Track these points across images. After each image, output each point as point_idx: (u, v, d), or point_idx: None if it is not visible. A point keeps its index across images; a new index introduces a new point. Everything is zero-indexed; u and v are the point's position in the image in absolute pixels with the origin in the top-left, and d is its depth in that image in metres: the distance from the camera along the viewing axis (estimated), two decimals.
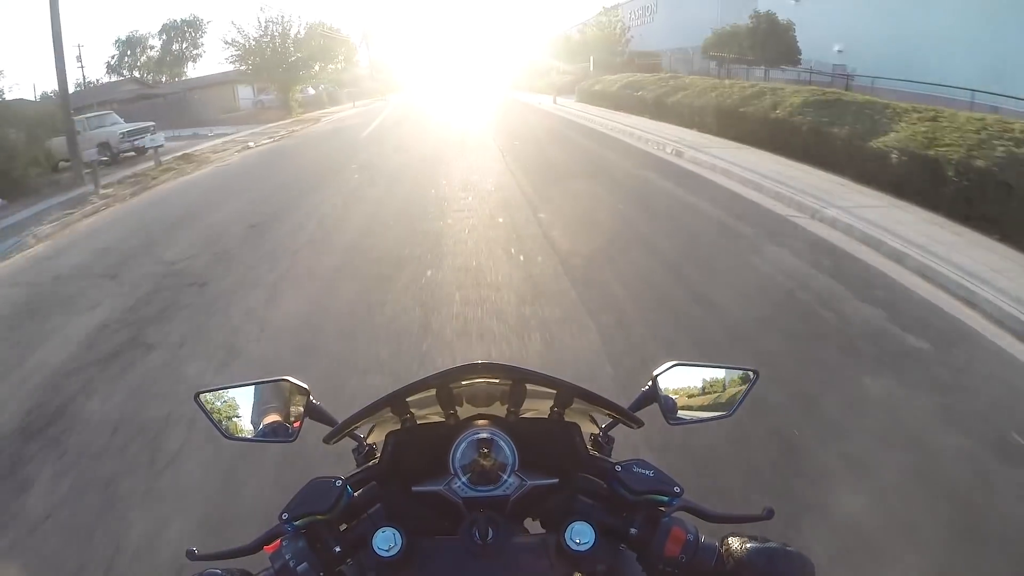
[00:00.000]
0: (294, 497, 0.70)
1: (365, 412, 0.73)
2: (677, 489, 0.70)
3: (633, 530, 0.69)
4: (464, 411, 0.78)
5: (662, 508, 0.71)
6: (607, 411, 0.79)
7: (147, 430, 2.83)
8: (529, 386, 0.75)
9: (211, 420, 0.79)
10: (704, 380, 0.83)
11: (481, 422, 0.75)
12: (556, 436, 0.78)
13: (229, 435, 0.80)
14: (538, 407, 0.80)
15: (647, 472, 0.71)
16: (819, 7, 18.81)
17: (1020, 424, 2.61)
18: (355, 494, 0.72)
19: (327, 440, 0.77)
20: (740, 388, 0.84)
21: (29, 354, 3.84)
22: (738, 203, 6.63)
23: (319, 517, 0.69)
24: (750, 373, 0.84)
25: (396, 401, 0.73)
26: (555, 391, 0.76)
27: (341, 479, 0.71)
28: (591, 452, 0.79)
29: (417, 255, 5.11)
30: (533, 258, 4.88)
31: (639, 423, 0.77)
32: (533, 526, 0.77)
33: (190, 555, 0.72)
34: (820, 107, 8.75)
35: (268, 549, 0.71)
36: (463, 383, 0.76)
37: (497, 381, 0.76)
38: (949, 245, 4.99)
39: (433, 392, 0.75)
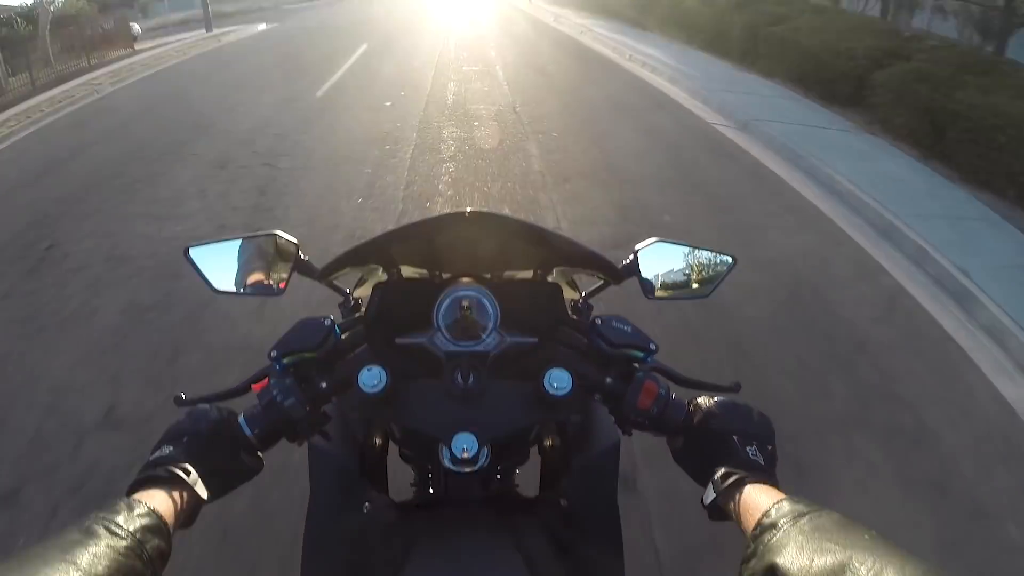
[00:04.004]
0: (283, 336, 0.72)
1: (355, 252, 0.75)
2: (652, 346, 0.74)
3: (608, 380, 0.72)
4: (449, 265, 0.80)
5: (637, 364, 0.75)
6: (590, 267, 0.81)
7: None
8: (515, 243, 0.76)
9: (200, 274, 0.80)
10: (683, 260, 0.85)
11: (466, 280, 0.77)
12: (538, 297, 0.80)
13: (217, 289, 0.81)
14: (521, 270, 0.82)
15: (625, 327, 0.74)
16: None
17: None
18: (342, 336, 0.74)
19: (320, 278, 0.79)
20: (718, 271, 0.87)
21: None
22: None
23: (307, 355, 0.71)
24: (728, 258, 0.87)
25: (384, 244, 0.74)
26: (541, 250, 0.78)
27: (330, 319, 0.72)
28: (571, 316, 0.82)
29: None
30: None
31: (620, 278, 0.79)
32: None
33: (178, 401, 0.73)
34: None
35: (256, 388, 0.73)
36: (449, 235, 0.78)
37: (484, 233, 0.77)
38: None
39: (419, 245, 0.76)
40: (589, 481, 0.80)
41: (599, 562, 0.72)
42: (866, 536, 0.46)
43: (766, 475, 0.63)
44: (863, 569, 0.41)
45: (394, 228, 0.72)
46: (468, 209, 0.73)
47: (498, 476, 0.81)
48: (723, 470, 0.63)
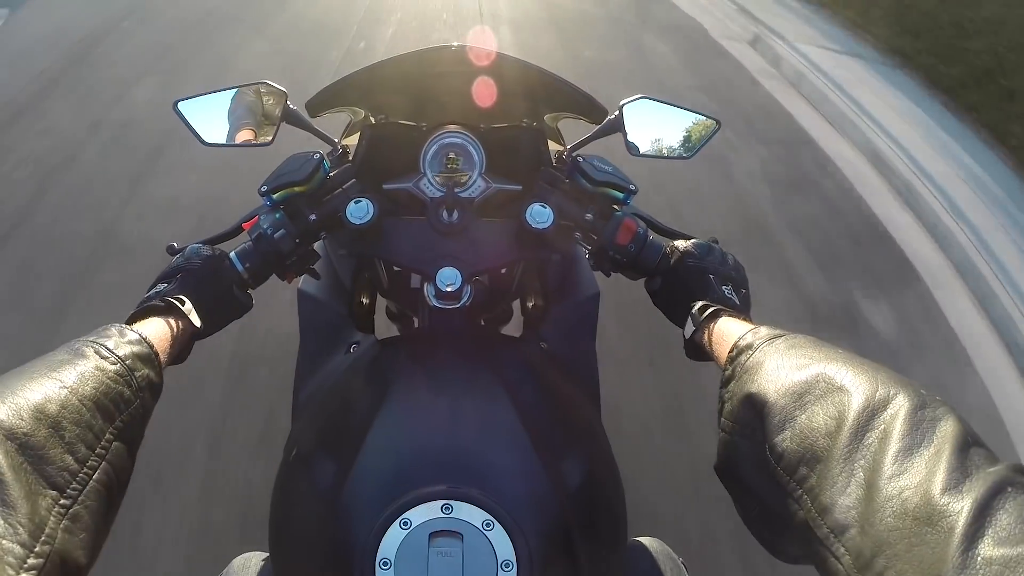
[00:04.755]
0: (273, 172, 0.73)
1: (342, 82, 0.75)
2: (632, 187, 0.76)
3: (588, 216, 0.74)
4: (437, 112, 0.81)
5: (616, 206, 0.76)
6: (576, 109, 0.80)
7: None
8: (502, 82, 0.76)
9: (190, 127, 0.80)
10: (667, 119, 0.85)
11: (452, 127, 0.78)
12: (523, 143, 0.81)
13: (207, 142, 0.82)
14: (508, 117, 0.83)
15: (606, 167, 0.76)
16: None
17: None
18: (331, 174, 0.75)
19: (310, 111, 0.79)
20: (702, 132, 0.87)
21: None
22: None
23: (296, 189, 0.72)
24: (713, 121, 0.87)
25: (370, 77, 0.74)
26: (526, 100, 0.78)
27: (320, 153, 0.74)
28: (554, 164, 0.83)
29: None
30: None
31: (603, 112, 0.80)
32: None
33: (170, 249, 0.74)
34: None
35: (247, 227, 0.74)
36: (437, 72, 0.78)
37: (471, 71, 0.77)
38: None
39: (407, 88, 0.77)
40: (568, 328, 0.83)
41: (577, 399, 0.75)
42: (840, 351, 0.47)
43: (742, 312, 0.65)
44: (837, 378, 0.43)
45: (380, 60, 0.73)
46: (455, 43, 0.73)
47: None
48: (700, 303, 0.65)
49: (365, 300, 0.89)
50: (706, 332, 0.63)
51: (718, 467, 0.53)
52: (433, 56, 0.74)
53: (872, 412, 0.39)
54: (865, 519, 0.35)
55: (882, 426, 0.38)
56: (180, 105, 0.80)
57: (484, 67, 0.74)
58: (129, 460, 0.48)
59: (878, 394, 0.40)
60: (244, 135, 0.82)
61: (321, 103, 0.78)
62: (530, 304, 0.90)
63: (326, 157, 0.76)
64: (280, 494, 0.61)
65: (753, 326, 0.56)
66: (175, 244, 0.74)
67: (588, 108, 0.78)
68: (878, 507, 0.34)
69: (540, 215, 0.71)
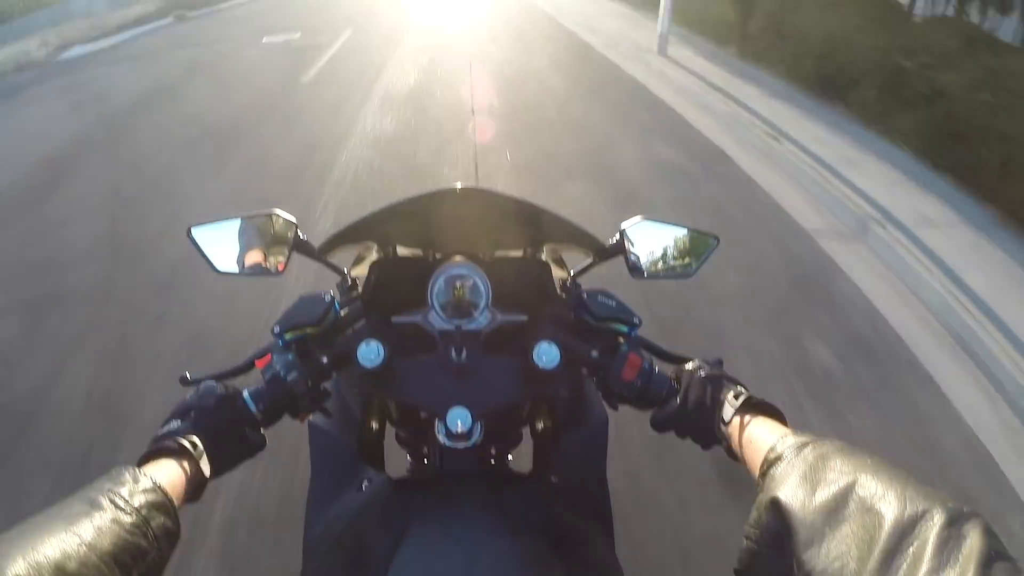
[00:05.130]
0: (284, 312, 0.75)
1: (352, 228, 0.77)
2: (636, 320, 0.78)
3: (594, 353, 0.76)
4: (443, 245, 0.83)
5: (621, 339, 0.79)
6: (577, 243, 0.83)
7: None
8: (505, 218, 0.79)
9: (203, 254, 0.82)
10: (667, 238, 0.88)
11: (458, 258, 0.80)
12: (528, 274, 0.84)
13: (219, 270, 0.83)
14: (512, 249, 0.85)
15: (610, 301, 0.78)
16: None
17: None
18: (342, 313, 0.77)
19: (318, 256, 0.81)
20: (701, 249, 0.90)
21: None
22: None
23: (308, 330, 0.74)
24: (712, 239, 0.90)
25: (378, 220, 0.77)
26: (529, 230, 0.80)
27: (331, 294, 0.76)
28: (560, 293, 0.85)
29: None
30: None
31: (607, 255, 0.81)
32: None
33: (183, 380, 0.75)
34: None
35: (259, 364, 0.76)
36: (441, 210, 0.80)
37: (475, 210, 0.80)
38: None
39: (413, 224, 0.79)
40: (578, 458, 0.84)
41: (588, 535, 0.75)
42: (868, 461, 0.47)
43: (759, 402, 0.65)
44: (866, 493, 0.43)
45: (387, 204, 0.75)
46: (459, 185, 0.76)
47: (492, 460, 0.85)
48: (727, 406, 0.65)
49: (375, 425, 0.90)
50: (736, 436, 0.63)
51: (739, 572, 0.53)
52: (437, 198, 0.76)
53: (901, 533, 0.40)
54: None
55: (911, 548, 0.39)
56: (194, 232, 0.82)
57: (485, 206, 0.76)
58: None
59: (907, 513, 0.41)
60: (255, 264, 0.84)
61: (330, 246, 0.80)
62: (539, 427, 0.91)
63: (336, 298, 0.78)
64: None
65: (782, 432, 0.57)
66: (188, 375, 0.75)
67: (584, 240, 0.80)
68: None
69: (547, 354, 0.72)
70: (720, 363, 0.77)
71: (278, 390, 0.72)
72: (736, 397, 0.66)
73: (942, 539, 0.38)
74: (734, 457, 0.65)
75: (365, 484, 0.78)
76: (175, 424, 0.67)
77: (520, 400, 0.79)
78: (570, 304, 0.81)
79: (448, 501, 0.71)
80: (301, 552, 0.80)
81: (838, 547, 0.42)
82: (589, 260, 0.86)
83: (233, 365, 0.80)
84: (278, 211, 0.82)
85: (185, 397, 0.71)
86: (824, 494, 0.46)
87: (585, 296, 0.78)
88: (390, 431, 0.93)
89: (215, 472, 0.66)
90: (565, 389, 0.81)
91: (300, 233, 0.81)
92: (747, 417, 0.63)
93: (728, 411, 0.65)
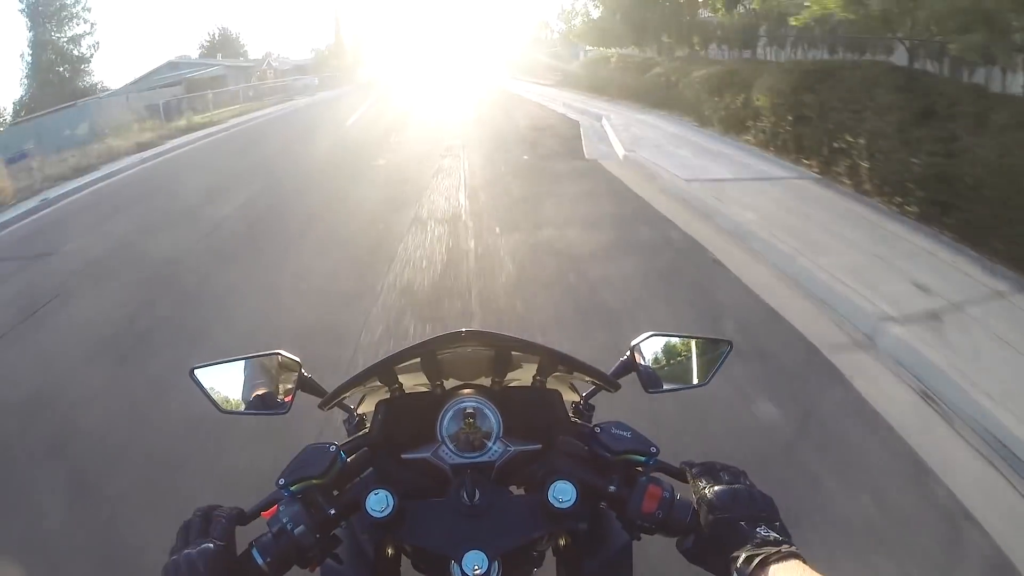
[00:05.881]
0: (290, 463, 0.73)
1: (356, 379, 0.76)
2: (653, 449, 0.75)
3: (612, 488, 0.73)
4: (450, 377, 0.82)
5: (639, 468, 0.75)
6: (587, 376, 0.82)
7: None
8: (513, 353, 0.78)
9: (206, 395, 0.82)
10: (679, 349, 0.86)
11: (466, 391, 0.78)
12: (539, 403, 0.81)
13: (224, 409, 0.83)
14: (521, 376, 0.83)
15: (625, 433, 0.75)
16: None
17: None
18: (348, 460, 0.75)
19: (321, 407, 0.80)
20: (714, 357, 0.88)
21: None
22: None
23: (314, 481, 0.72)
24: (724, 344, 0.88)
25: (384, 369, 0.76)
26: (538, 357, 0.79)
27: (335, 445, 0.74)
28: (572, 419, 0.83)
29: None
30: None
31: (616, 387, 0.81)
32: (517, 493, 0.81)
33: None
34: None
35: (265, 515, 0.74)
36: (448, 351, 0.79)
37: (481, 348, 0.79)
38: None
39: (419, 360, 0.78)
40: None
41: None
42: None
43: (784, 545, 0.63)
44: None
45: (393, 353, 0.74)
46: (464, 329, 0.75)
47: None
48: (744, 555, 0.62)
49: (389, 562, 0.87)
50: None
51: None
52: (442, 343, 0.76)
53: None
54: None
55: None
56: (196, 373, 0.81)
57: (489, 347, 0.76)
58: None
59: None
60: (260, 403, 0.83)
61: (335, 397, 0.79)
62: (561, 543, 0.87)
63: (345, 433, 0.76)
64: None
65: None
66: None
67: (593, 373, 0.79)
68: None
69: (563, 493, 0.69)
70: (743, 475, 0.75)
71: (285, 542, 0.70)
72: (752, 548, 0.63)
73: None
74: None
75: None
76: None
77: (537, 536, 0.75)
78: (584, 433, 0.79)
79: None
80: None
81: None
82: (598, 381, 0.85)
83: (239, 511, 0.77)
84: (282, 352, 0.81)
85: (182, 552, 0.67)
86: None
87: (599, 431, 0.75)
88: (406, 562, 0.89)
89: None
90: (584, 523, 0.78)
91: (304, 372, 0.81)
92: (768, 561, 0.60)
93: (747, 559, 0.62)
